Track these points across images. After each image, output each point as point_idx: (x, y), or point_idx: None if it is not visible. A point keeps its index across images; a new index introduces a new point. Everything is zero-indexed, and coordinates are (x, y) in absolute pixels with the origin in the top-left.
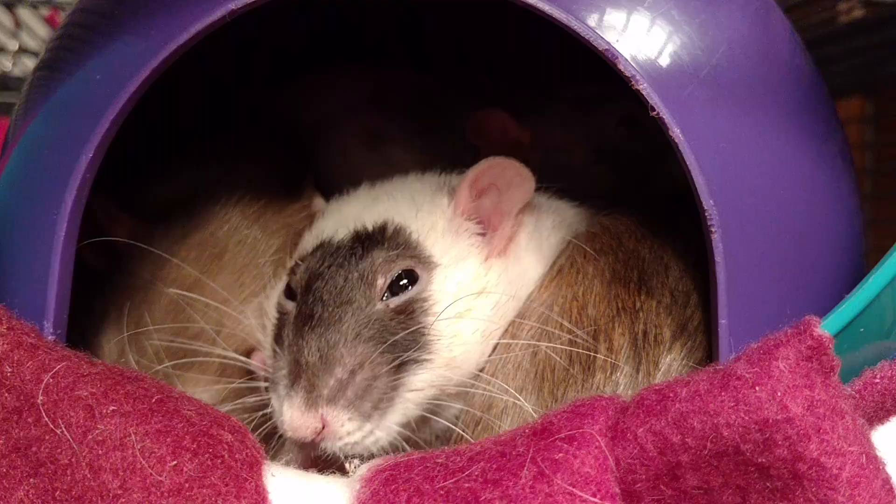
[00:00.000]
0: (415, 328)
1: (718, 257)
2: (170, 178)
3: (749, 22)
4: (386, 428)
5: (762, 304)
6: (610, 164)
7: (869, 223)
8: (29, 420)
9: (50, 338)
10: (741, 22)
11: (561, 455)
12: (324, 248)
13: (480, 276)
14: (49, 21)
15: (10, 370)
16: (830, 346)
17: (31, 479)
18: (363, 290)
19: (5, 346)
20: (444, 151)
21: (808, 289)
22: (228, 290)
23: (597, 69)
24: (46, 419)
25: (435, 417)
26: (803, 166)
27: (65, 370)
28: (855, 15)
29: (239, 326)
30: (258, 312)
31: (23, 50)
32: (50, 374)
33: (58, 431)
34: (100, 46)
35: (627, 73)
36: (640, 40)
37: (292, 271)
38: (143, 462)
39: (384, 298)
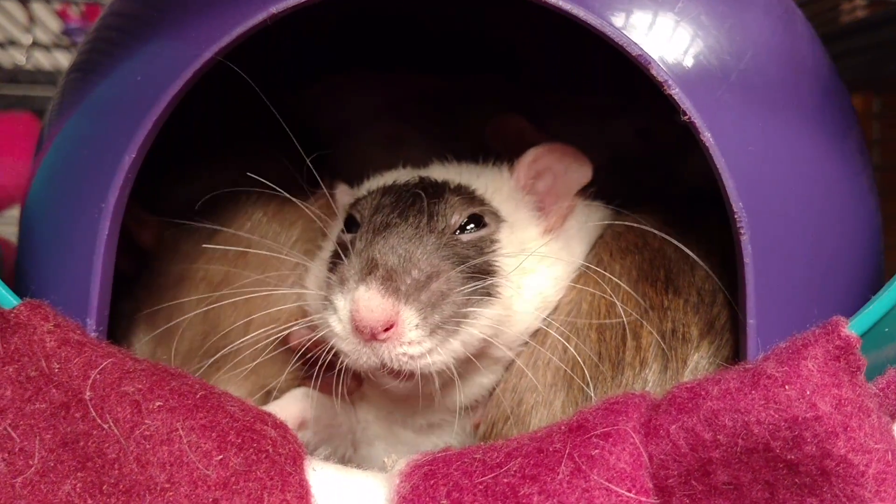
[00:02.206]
0: (488, 261)
1: (747, 259)
2: (190, 179)
3: (774, 25)
4: (443, 352)
5: (790, 304)
6: (624, 173)
7: None
8: (77, 415)
9: (93, 334)
10: (767, 26)
11: (597, 451)
12: (387, 186)
13: (541, 245)
14: (61, 15)
15: (57, 366)
16: (858, 346)
17: (79, 473)
18: (439, 219)
19: (53, 342)
20: (463, 156)
21: (833, 287)
22: (254, 283)
23: (613, 80)
24: (94, 414)
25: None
26: (828, 166)
27: (111, 366)
28: (858, 14)
29: (269, 316)
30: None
31: (35, 44)
32: (97, 370)
33: (105, 426)
34: (137, 49)
35: (660, 78)
36: (671, 46)
37: (354, 204)
38: (191, 456)
39: (455, 233)
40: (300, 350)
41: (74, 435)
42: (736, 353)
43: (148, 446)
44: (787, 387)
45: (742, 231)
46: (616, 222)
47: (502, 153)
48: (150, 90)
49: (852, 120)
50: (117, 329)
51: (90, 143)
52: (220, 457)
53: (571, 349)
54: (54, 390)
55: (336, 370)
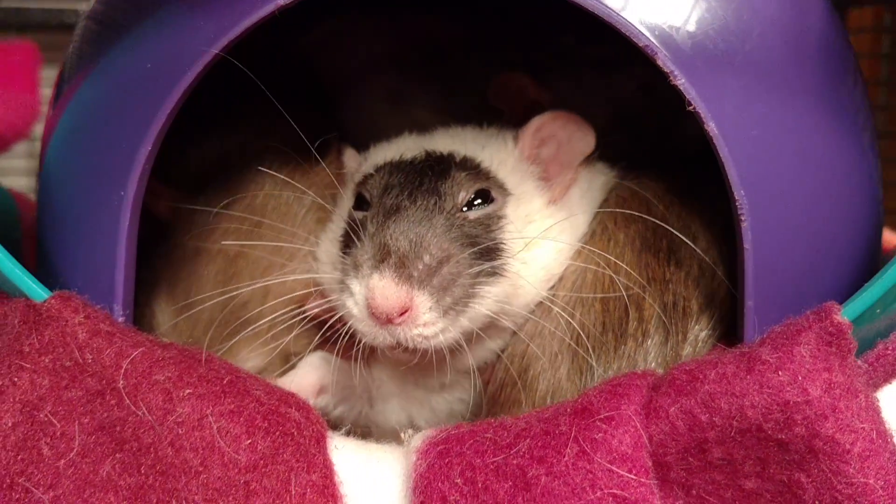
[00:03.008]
0: (495, 240)
1: (747, 245)
2: (201, 142)
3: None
4: (454, 330)
5: (787, 286)
6: (627, 131)
7: (882, 135)
8: (112, 402)
9: (120, 319)
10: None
11: (600, 435)
12: (395, 163)
13: (546, 217)
14: None
15: (90, 357)
16: (849, 331)
17: (117, 454)
18: (447, 199)
19: (84, 334)
20: (467, 113)
21: (830, 269)
22: (269, 255)
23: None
24: (128, 401)
25: (476, 345)
26: (832, 148)
27: (141, 356)
28: None
29: (285, 287)
30: (305, 263)
31: None
32: (128, 359)
33: (139, 413)
34: (149, 31)
35: (666, 70)
36: (678, 32)
37: (362, 182)
38: (221, 441)
39: (463, 210)
40: (318, 319)
41: (111, 420)
42: (734, 327)
43: (181, 432)
44: (780, 372)
45: (743, 218)
46: (620, 187)
47: (504, 111)
48: (161, 83)
49: (860, 91)
50: (139, 295)
51: (106, 128)
52: (249, 441)
53: (575, 323)
54: (89, 379)
55: (354, 342)
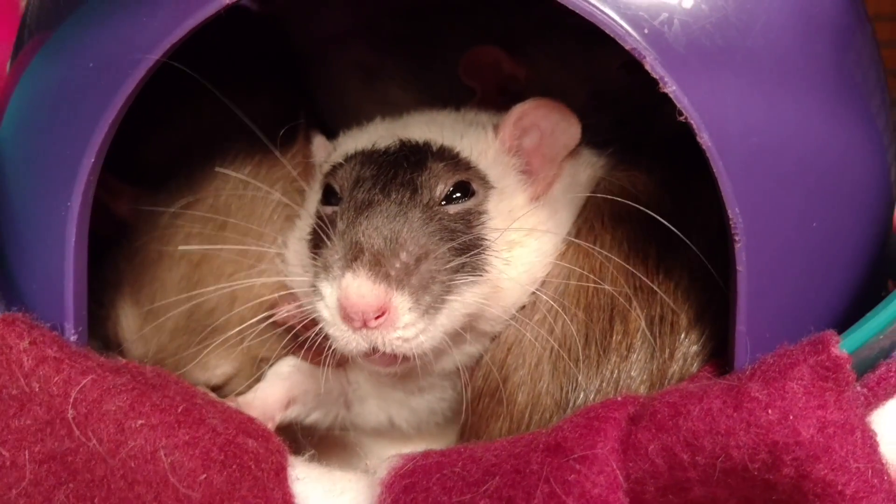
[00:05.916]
0: (476, 235)
1: (741, 266)
2: (163, 126)
3: None
4: (434, 330)
5: (782, 310)
6: (608, 113)
7: None
8: (62, 433)
9: (72, 338)
10: None
11: (573, 476)
12: (366, 153)
13: (530, 213)
14: None
15: (37, 385)
16: (847, 364)
17: (70, 484)
18: (424, 192)
19: (30, 362)
20: (442, 92)
21: (832, 289)
22: (235, 259)
23: None
24: (78, 432)
25: (455, 350)
26: (843, 154)
27: (91, 384)
28: None
29: (252, 292)
30: (273, 266)
31: None
32: (77, 388)
33: (90, 444)
34: (98, 12)
35: (656, 75)
36: (671, 30)
37: (331, 173)
38: (174, 477)
39: (442, 204)
40: (288, 325)
41: (62, 450)
42: (725, 345)
43: (133, 465)
44: (769, 410)
45: (736, 238)
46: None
47: (477, 90)
48: (101, 90)
49: (879, 86)
50: (104, 297)
51: (49, 131)
52: (204, 476)
53: (556, 333)
54: (37, 408)
55: (326, 346)
